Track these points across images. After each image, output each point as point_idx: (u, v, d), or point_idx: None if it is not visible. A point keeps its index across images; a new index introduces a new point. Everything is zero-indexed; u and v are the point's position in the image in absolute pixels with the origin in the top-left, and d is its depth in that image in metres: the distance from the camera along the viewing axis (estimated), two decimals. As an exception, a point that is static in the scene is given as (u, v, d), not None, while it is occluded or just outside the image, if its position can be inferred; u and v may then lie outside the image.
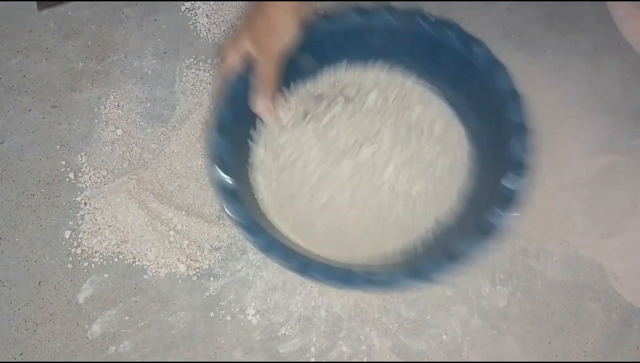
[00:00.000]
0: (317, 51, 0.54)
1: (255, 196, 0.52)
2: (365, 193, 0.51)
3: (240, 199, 0.46)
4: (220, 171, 0.47)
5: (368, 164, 0.52)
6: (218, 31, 0.65)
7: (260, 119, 0.53)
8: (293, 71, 0.54)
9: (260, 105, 0.50)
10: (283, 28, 0.48)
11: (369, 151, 0.52)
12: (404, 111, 0.55)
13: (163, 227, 0.54)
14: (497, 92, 0.49)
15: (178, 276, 0.53)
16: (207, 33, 0.65)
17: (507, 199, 0.45)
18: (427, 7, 0.66)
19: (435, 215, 0.51)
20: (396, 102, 0.56)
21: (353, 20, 0.53)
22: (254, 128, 0.54)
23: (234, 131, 0.49)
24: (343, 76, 0.57)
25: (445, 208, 0.52)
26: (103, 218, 0.55)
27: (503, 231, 0.44)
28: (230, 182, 0.47)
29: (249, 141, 0.54)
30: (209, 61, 0.63)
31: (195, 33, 0.65)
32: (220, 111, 0.49)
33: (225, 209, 0.46)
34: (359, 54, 0.56)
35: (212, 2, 0.66)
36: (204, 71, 0.62)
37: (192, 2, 0.66)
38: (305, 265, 0.44)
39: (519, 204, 0.44)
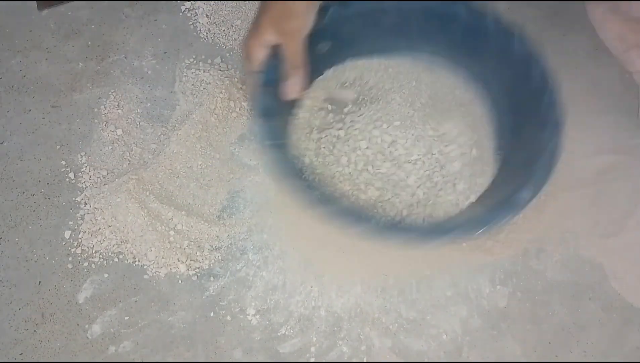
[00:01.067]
0: (336, 37, 0.55)
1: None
2: (393, 169, 0.54)
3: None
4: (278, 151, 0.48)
5: (398, 144, 0.54)
6: (218, 31, 0.65)
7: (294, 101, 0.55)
8: (313, 60, 0.54)
9: (294, 90, 0.51)
10: (302, 9, 0.48)
11: (397, 132, 0.55)
12: (425, 89, 0.57)
13: (163, 227, 0.54)
14: (515, 56, 0.51)
15: (178, 276, 0.53)
16: (207, 33, 0.65)
17: (551, 153, 0.47)
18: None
19: (476, 180, 0.53)
20: (416, 84, 0.58)
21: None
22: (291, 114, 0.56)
23: (274, 116, 0.50)
24: (363, 65, 0.59)
25: (486, 174, 0.53)
26: (103, 218, 0.55)
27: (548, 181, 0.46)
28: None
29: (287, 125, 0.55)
30: (209, 61, 0.63)
31: (195, 33, 0.65)
32: (258, 101, 0.50)
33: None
34: (378, 40, 0.58)
35: (212, 2, 0.66)
36: (204, 71, 0.62)
37: (192, 2, 0.67)
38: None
39: (559, 158, 0.47)
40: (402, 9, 0.55)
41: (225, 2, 0.66)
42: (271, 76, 0.50)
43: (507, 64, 0.53)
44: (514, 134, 0.53)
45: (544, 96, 0.49)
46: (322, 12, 0.52)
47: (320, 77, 0.58)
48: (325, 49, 0.55)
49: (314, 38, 0.52)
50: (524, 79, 0.51)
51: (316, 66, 0.56)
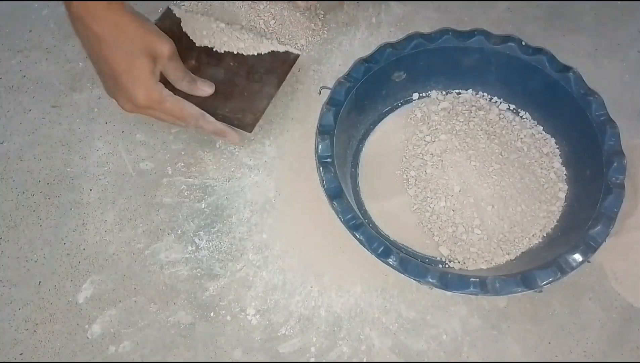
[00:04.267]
0: (413, 68, 0.56)
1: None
2: (466, 207, 0.53)
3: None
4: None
5: (469, 179, 0.53)
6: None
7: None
8: (387, 87, 0.56)
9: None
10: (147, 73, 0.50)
11: (471, 165, 0.54)
12: (501, 135, 0.56)
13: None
14: (590, 119, 0.51)
15: (178, 276, 0.53)
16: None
17: (608, 218, 0.47)
18: (428, 7, 0.67)
19: (532, 232, 0.52)
20: (492, 125, 0.57)
21: (448, 39, 0.54)
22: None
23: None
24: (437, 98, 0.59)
25: (540, 225, 0.53)
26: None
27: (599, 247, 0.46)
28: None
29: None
30: (209, 61, 0.63)
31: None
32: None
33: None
34: (450, 76, 0.58)
35: (209, 2, 0.66)
36: (204, 71, 0.62)
37: (192, 2, 0.66)
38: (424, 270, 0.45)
39: (614, 222, 0.47)
40: (485, 51, 0.54)
41: (224, 2, 0.66)
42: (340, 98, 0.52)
43: (579, 130, 0.52)
44: (575, 200, 0.53)
45: (610, 169, 0.48)
46: (406, 42, 0.53)
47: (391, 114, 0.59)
48: (400, 78, 0.56)
49: (391, 66, 0.53)
50: (594, 149, 0.50)
51: (388, 93, 0.57)
